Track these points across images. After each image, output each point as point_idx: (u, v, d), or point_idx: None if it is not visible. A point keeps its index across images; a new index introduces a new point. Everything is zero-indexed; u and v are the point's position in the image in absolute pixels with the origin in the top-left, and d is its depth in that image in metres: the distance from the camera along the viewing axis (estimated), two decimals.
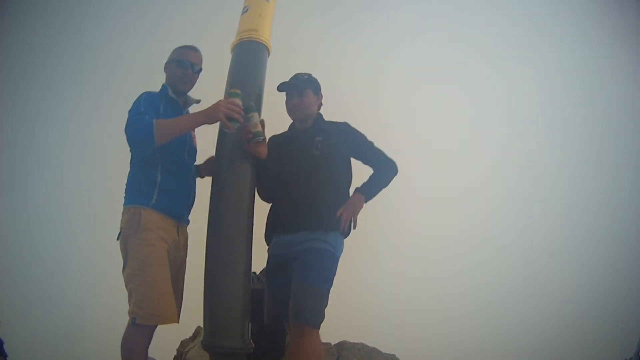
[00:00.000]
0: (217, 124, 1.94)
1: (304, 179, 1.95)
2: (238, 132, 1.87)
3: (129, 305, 1.78)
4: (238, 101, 1.82)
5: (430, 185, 5.88)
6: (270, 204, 2.07)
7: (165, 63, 2.07)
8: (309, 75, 2.11)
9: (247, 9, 2.21)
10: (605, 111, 5.71)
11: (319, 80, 2.12)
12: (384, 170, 2.07)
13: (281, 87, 2.08)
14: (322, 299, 1.80)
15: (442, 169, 6.11)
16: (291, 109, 2.08)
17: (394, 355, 3.38)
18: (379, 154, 2.09)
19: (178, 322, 1.86)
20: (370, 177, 2.05)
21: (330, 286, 1.85)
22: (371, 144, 2.10)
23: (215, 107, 1.79)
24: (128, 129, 1.81)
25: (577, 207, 5.63)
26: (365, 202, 1.99)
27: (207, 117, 1.82)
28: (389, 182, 2.06)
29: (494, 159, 6.05)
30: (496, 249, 5.51)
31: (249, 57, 2.11)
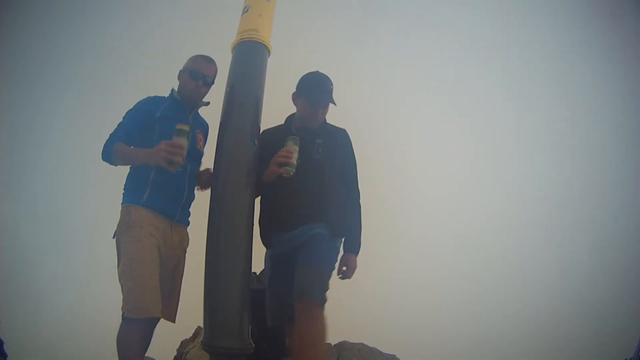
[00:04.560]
0: (217, 122, 1.97)
1: (305, 181, 1.92)
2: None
3: (123, 300, 1.82)
4: (182, 141, 1.74)
5: (431, 187, 5.89)
6: (264, 205, 2.03)
7: (180, 71, 2.10)
8: (331, 81, 2.04)
9: (247, 9, 2.21)
10: (606, 112, 5.72)
11: None
12: (355, 211, 2.06)
13: (314, 99, 1.99)
14: (326, 279, 1.84)
15: (443, 170, 6.11)
16: (314, 119, 2.02)
17: (394, 355, 3.38)
18: (355, 183, 2.09)
19: (162, 315, 1.87)
20: (350, 230, 2.02)
21: (333, 269, 1.91)
22: (355, 166, 2.10)
23: (156, 151, 1.75)
24: (105, 142, 1.92)
25: (578, 208, 5.63)
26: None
27: (149, 158, 1.82)
28: (361, 223, 2.07)
29: (494, 159, 6.06)
30: (496, 250, 5.52)
31: (249, 57, 2.10)
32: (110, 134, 1.92)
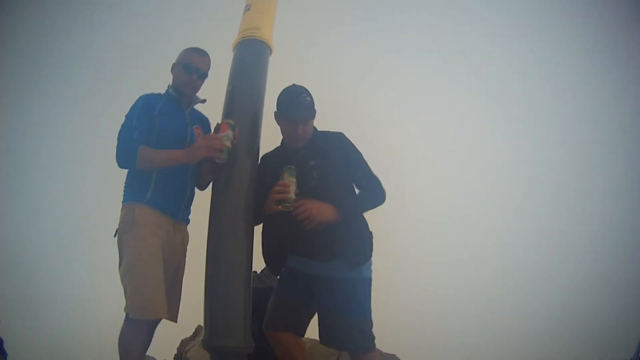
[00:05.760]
0: (219, 121, 1.94)
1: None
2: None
3: (126, 299, 1.80)
4: (228, 136, 1.81)
5: (433, 186, 5.89)
6: (269, 233, 1.93)
7: (173, 64, 2.07)
8: (309, 93, 1.87)
9: (249, 7, 2.21)
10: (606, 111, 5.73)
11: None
12: (371, 195, 1.86)
13: (288, 117, 1.83)
14: (370, 324, 1.81)
15: (444, 170, 6.11)
16: (295, 139, 1.86)
17: (394, 355, 3.37)
18: (371, 179, 1.88)
19: (168, 317, 1.86)
20: (356, 195, 1.87)
21: (370, 303, 1.84)
22: (364, 164, 1.89)
23: (195, 146, 1.82)
24: (118, 145, 1.84)
25: (578, 206, 5.63)
26: (339, 219, 1.75)
27: (188, 156, 1.84)
28: (371, 208, 1.87)
29: (495, 159, 6.06)
30: (496, 249, 5.52)
31: (250, 55, 2.10)
32: (123, 139, 1.84)
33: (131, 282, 1.79)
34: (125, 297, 1.81)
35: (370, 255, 1.87)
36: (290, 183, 1.74)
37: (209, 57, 2.07)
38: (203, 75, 2.04)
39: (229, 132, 1.81)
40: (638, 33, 4.95)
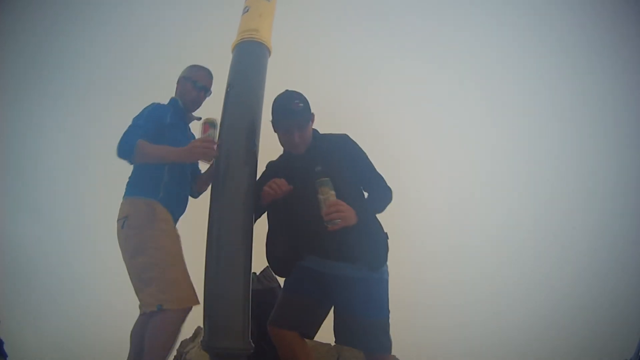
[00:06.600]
0: (219, 117, 1.99)
1: (319, 223, 1.67)
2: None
3: (146, 294, 1.82)
4: (211, 135, 1.87)
5: (437, 189, 5.89)
6: (280, 233, 1.90)
7: (179, 78, 2.17)
8: (302, 97, 1.82)
9: (247, 9, 2.21)
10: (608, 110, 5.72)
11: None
12: (380, 195, 1.83)
13: (283, 126, 1.80)
14: (388, 326, 1.82)
15: (448, 172, 6.12)
16: (293, 146, 1.84)
17: (394, 356, 3.37)
18: (378, 179, 1.85)
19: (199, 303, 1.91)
20: (366, 199, 1.85)
21: (388, 304, 1.85)
22: (371, 165, 1.86)
23: (192, 148, 1.84)
24: (121, 138, 1.90)
25: (578, 205, 5.63)
26: (356, 222, 1.69)
27: (185, 156, 1.88)
28: (383, 208, 1.84)
29: (497, 161, 6.06)
30: (496, 249, 5.52)
31: (249, 57, 2.10)
32: (126, 133, 1.89)
33: (163, 276, 1.83)
34: (144, 290, 1.84)
35: (386, 258, 1.86)
36: (332, 197, 1.65)
37: (212, 75, 2.20)
38: (208, 92, 2.17)
39: (212, 132, 1.87)
40: (638, 33, 4.95)
